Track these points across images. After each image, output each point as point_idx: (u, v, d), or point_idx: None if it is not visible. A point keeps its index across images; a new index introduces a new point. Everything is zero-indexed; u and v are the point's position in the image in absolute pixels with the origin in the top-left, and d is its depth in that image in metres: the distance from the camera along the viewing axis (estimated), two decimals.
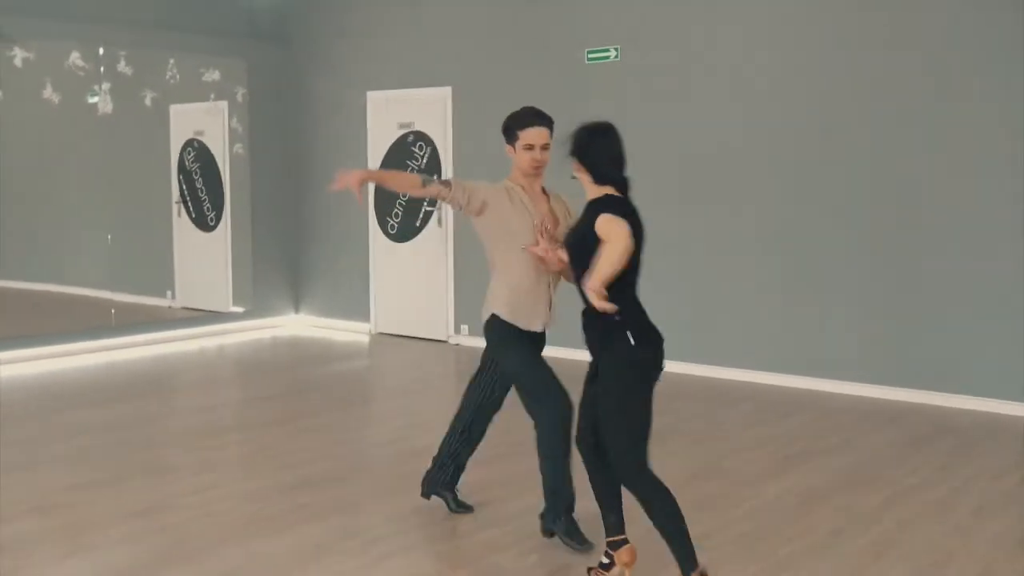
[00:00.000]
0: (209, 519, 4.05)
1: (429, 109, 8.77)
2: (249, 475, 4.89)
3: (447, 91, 8.55)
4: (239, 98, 9.38)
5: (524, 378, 3.72)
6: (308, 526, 3.96)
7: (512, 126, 3.76)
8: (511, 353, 3.74)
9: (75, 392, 6.91)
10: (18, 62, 7.88)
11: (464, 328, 8.51)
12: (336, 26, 9.33)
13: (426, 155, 8.81)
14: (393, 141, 9.03)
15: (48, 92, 8.39)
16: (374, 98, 9.04)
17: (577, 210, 3.50)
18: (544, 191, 3.86)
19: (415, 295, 9.12)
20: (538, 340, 3.84)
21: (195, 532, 3.89)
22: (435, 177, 3.90)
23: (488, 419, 4.00)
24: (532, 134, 3.70)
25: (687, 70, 7.19)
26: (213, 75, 9.26)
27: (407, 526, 4.01)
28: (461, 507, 4.10)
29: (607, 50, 7.53)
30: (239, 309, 9.68)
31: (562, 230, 3.71)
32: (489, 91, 8.20)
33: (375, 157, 9.17)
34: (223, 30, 9.10)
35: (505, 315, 3.74)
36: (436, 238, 8.80)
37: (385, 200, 9.11)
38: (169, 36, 8.73)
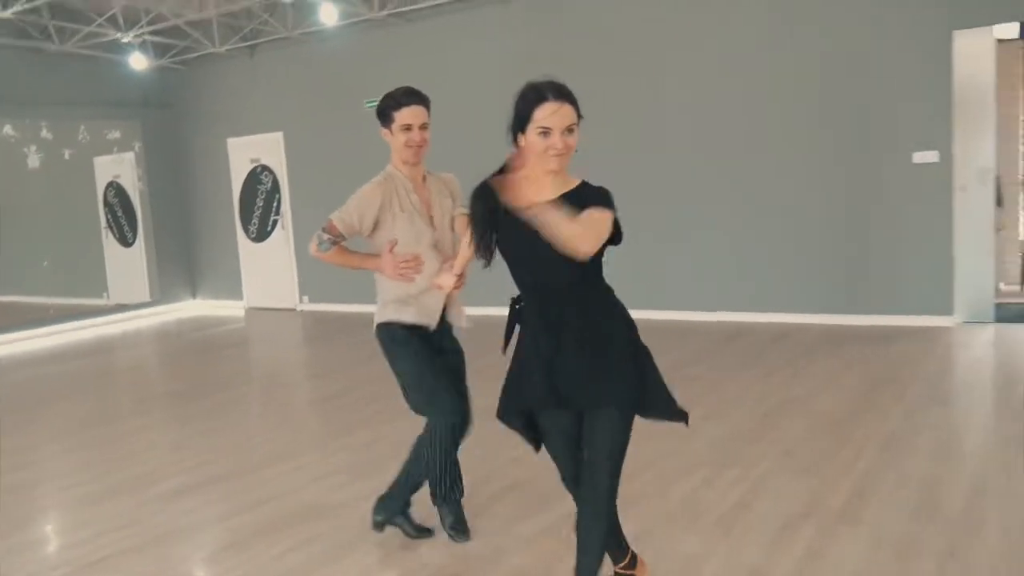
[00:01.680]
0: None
1: (270, 148, 11.31)
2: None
3: (280, 134, 11.52)
4: (137, 149, 11.94)
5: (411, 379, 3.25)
6: None
7: (387, 107, 3.19)
8: (401, 354, 3.27)
9: (46, 358, 9.58)
10: None
11: (306, 298, 11.42)
12: (202, 91, 11.68)
13: (270, 181, 11.63)
14: (247, 172, 11.70)
15: None
16: (232, 142, 11.65)
17: (465, 191, 2.75)
18: (424, 176, 3.33)
19: (271, 278, 11.62)
20: (432, 340, 3.30)
21: None
22: (326, 237, 3.23)
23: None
24: (408, 113, 3.16)
25: None
26: (115, 134, 12.16)
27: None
28: (421, 531, 3.47)
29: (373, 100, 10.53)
30: (152, 299, 12.23)
31: (443, 214, 3.32)
32: (310, 133, 10.70)
33: (236, 184, 11.79)
34: (121, 101, 11.41)
35: (392, 315, 3.26)
36: (281, 237, 11.76)
37: (245, 211, 12.11)
38: (81, 109, 11.15)
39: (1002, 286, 8.09)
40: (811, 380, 5.76)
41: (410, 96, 3.22)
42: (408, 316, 3.28)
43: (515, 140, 2.37)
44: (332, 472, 4.53)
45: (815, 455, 4.25)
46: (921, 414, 4.85)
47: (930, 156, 7.11)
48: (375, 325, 3.35)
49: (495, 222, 2.38)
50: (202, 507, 4.15)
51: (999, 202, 7.67)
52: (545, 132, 2.29)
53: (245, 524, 3.86)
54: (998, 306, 7.32)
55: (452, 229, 3.37)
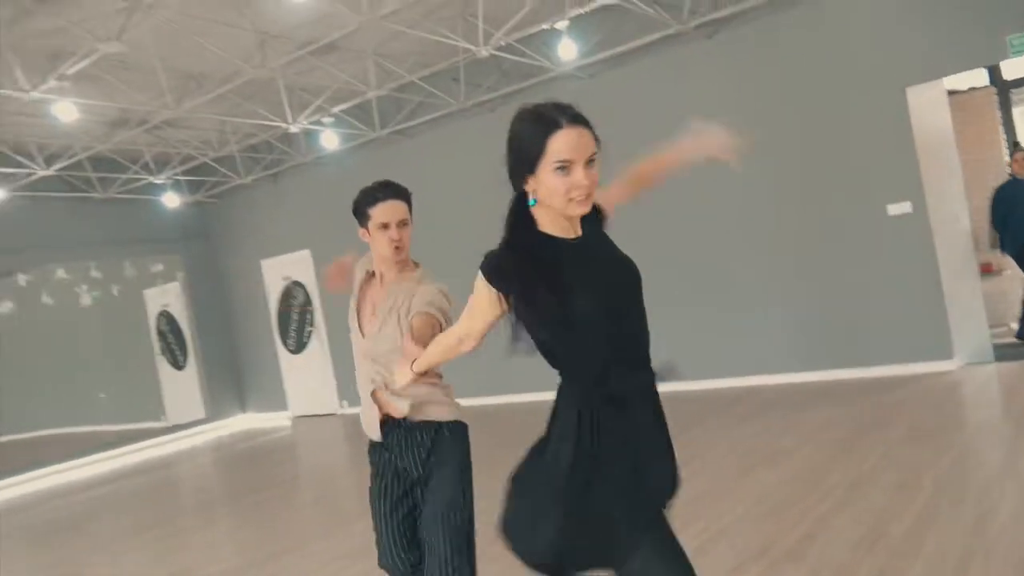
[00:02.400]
0: None
1: (299, 265, 11.93)
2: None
3: (307, 251, 12.22)
4: (180, 279, 12.79)
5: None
6: None
7: (361, 204, 2.81)
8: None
9: (105, 480, 10.34)
10: (22, 283, 11.68)
11: (345, 403, 11.79)
12: (234, 219, 12.47)
13: (302, 295, 12.20)
14: (281, 290, 12.38)
15: (44, 298, 12.28)
16: (265, 263, 12.39)
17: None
18: (414, 266, 2.90)
19: (311, 387, 12.08)
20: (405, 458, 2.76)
21: None
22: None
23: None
24: (385, 210, 2.77)
25: None
26: (159, 267, 13.01)
27: None
28: None
29: None
30: (206, 416, 12.77)
31: (393, 321, 2.74)
32: (332, 247, 11.45)
33: (272, 302, 12.41)
34: (161, 236, 12.25)
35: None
36: (317, 346, 12.30)
37: (282, 325, 12.69)
38: (125, 248, 11.99)
39: (1013, 325, 8.07)
40: (801, 433, 5.87)
41: (385, 189, 2.81)
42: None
43: (522, 186, 1.86)
44: (347, 554, 4.80)
45: (782, 501, 4.39)
46: (896, 454, 4.95)
47: (904, 207, 7.29)
48: None
49: (547, 269, 1.80)
50: None
51: (1001, 246, 7.78)
52: (564, 167, 1.81)
53: None
54: (996, 346, 7.33)
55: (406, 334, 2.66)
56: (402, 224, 2.82)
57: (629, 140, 8.58)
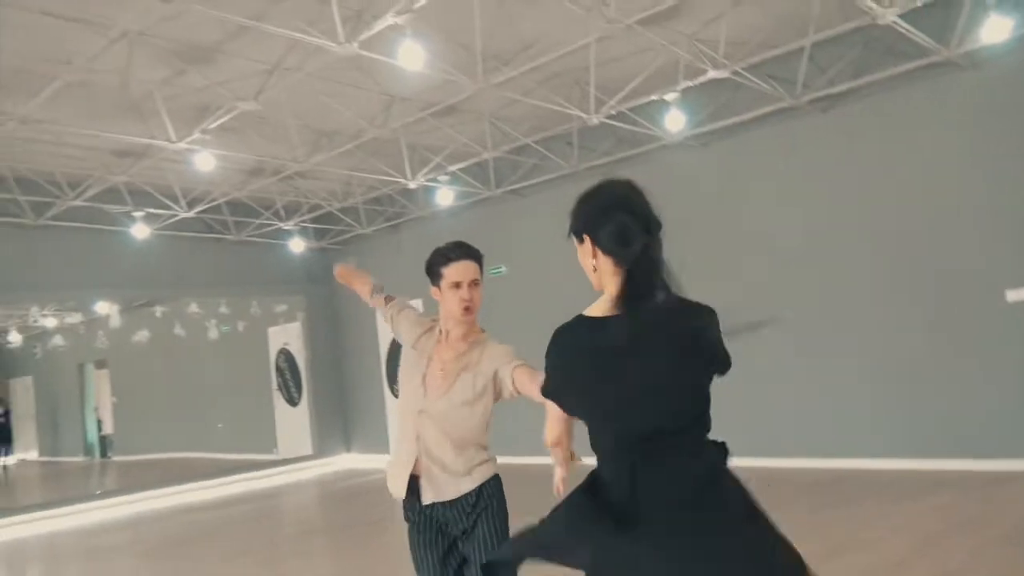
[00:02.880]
0: None
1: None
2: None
3: (420, 301, 12.64)
4: (301, 320, 13.62)
5: None
6: None
7: (434, 263, 2.86)
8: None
9: (219, 504, 11.04)
10: (157, 314, 12.65)
11: None
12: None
13: None
14: (392, 337, 13.10)
15: (177, 329, 13.21)
16: (380, 311, 13.21)
17: (530, 353, 2.63)
18: (478, 331, 2.93)
19: None
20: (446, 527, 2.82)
21: None
22: (383, 292, 3.24)
23: None
24: (458, 269, 2.82)
25: None
26: (282, 307, 13.81)
27: None
28: None
29: (499, 268, 11.44)
30: (313, 453, 13.29)
31: (459, 388, 2.81)
32: None
33: (383, 348, 13.03)
34: (287, 279, 12.99)
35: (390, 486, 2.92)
36: None
37: (391, 372, 13.12)
38: (254, 287, 12.86)
39: None
40: (892, 522, 5.66)
41: (458, 250, 2.87)
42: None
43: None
44: None
45: None
46: (988, 554, 4.72)
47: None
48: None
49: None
50: None
51: None
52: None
53: None
54: None
55: (476, 408, 2.83)
56: (473, 284, 2.86)
57: (739, 210, 8.62)
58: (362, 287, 3.33)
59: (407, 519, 2.92)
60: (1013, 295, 7.04)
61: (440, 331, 2.93)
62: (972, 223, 7.19)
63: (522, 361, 2.76)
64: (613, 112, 7.87)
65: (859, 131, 7.80)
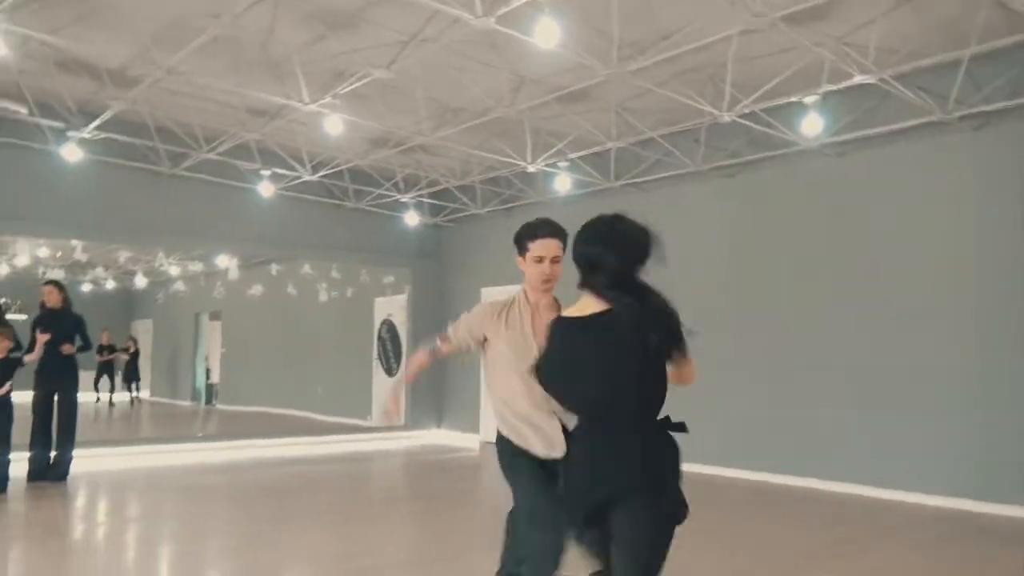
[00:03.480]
0: None
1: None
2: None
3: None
4: (407, 292, 13.90)
5: (525, 501, 3.22)
6: None
7: (523, 236, 3.28)
8: (514, 475, 3.28)
9: (314, 461, 11.31)
10: (273, 271, 13.05)
11: None
12: (464, 246, 13.19)
13: None
14: None
15: (290, 288, 13.59)
16: (485, 291, 13.11)
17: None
18: (557, 302, 3.34)
19: None
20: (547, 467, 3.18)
21: None
22: (436, 341, 3.54)
23: None
24: (542, 246, 3.21)
25: None
26: (390, 278, 14.07)
27: None
28: None
29: None
30: (405, 424, 13.48)
31: None
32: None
33: None
34: (397, 250, 13.21)
35: (509, 435, 3.28)
36: None
37: None
38: (365, 255, 13.12)
39: None
40: (1010, 568, 5.32)
41: (545, 228, 3.28)
42: (523, 445, 3.28)
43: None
44: None
45: None
46: None
47: None
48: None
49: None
50: None
51: None
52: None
53: None
54: None
55: None
56: (555, 260, 3.28)
57: (873, 225, 8.26)
58: (421, 359, 3.61)
59: (530, 470, 3.23)
60: None
61: (527, 303, 3.35)
62: None
63: None
64: (746, 111, 7.62)
65: (1013, 153, 7.31)
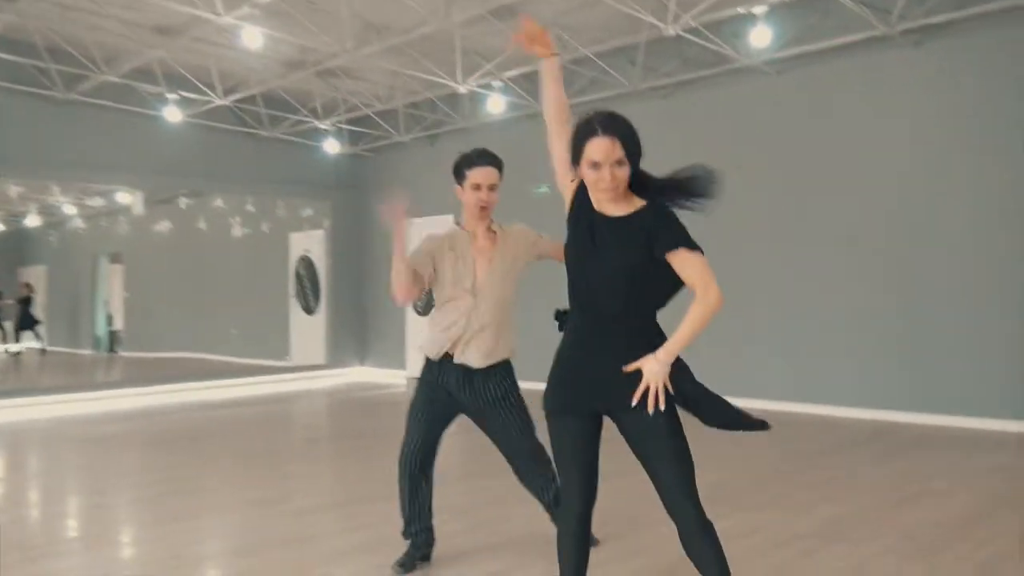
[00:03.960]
0: None
1: (441, 228, 12.33)
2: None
3: (450, 217, 12.27)
4: (326, 227, 13.24)
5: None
6: None
7: (461, 165, 3.38)
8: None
9: (230, 404, 10.69)
10: (182, 205, 12.27)
11: None
12: (386, 176, 12.55)
13: None
14: None
15: (201, 223, 12.84)
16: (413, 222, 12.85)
17: (534, 235, 3.50)
18: (492, 229, 3.45)
19: None
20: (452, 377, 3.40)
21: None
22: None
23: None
24: (479, 173, 3.33)
25: None
26: (308, 212, 13.44)
27: None
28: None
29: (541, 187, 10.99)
30: (327, 363, 13.05)
31: (502, 267, 3.41)
32: None
33: None
34: (315, 182, 12.56)
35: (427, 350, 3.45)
36: None
37: None
38: (281, 187, 12.43)
39: None
40: (956, 476, 5.38)
41: (482, 157, 3.39)
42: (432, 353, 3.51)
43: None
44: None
45: (935, 542, 3.99)
46: None
47: None
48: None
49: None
50: (317, 524, 4.45)
51: None
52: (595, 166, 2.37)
53: (350, 542, 4.11)
54: None
55: (514, 282, 3.51)
56: (492, 188, 3.39)
57: (808, 143, 8.17)
58: (404, 269, 3.35)
59: (423, 380, 3.53)
60: None
61: (468, 234, 3.47)
62: None
63: (540, 235, 3.61)
64: (691, 24, 7.36)
65: (953, 69, 7.29)
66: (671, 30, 7.37)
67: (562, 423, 2.46)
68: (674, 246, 2.29)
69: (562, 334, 2.53)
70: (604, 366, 2.36)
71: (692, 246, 2.31)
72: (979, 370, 7.09)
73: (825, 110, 8.02)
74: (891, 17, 7.15)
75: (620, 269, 2.34)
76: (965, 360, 7.16)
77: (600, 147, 2.32)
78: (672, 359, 2.29)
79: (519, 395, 3.51)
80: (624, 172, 2.35)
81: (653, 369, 2.29)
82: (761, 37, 7.49)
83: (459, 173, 3.42)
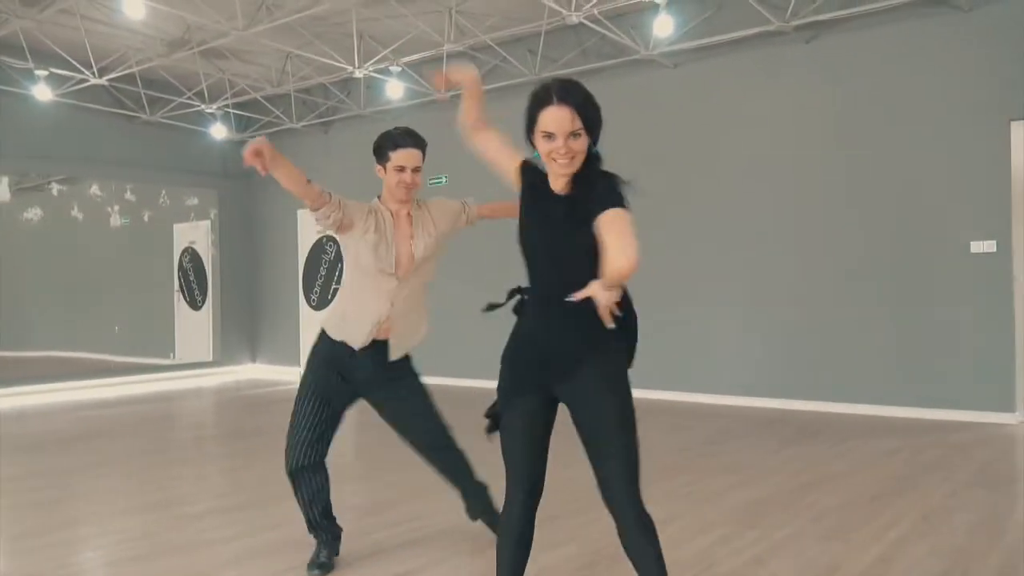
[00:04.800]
0: None
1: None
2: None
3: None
4: (212, 217, 12.65)
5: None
6: None
7: (383, 145, 3.22)
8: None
9: (110, 404, 10.07)
10: (55, 192, 11.40)
11: None
12: None
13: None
14: (313, 243, 12.18)
15: (75, 212, 11.99)
16: (301, 213, 12.19)
17: (445, 210, 3.38)
18: (409, 214, 3.30)
19: None
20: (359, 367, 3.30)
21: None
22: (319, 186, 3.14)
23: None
24: (403, 155, 3.19)
25: None
26: (193, 201, 12.81)
27: None
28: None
29: (439, 177, 10.84)
30: (215, 360, 12.53)
31: (422, 249, 3.29)
32: None
33: (302, 254, 12.36)
34: (201, 170, 12.01)
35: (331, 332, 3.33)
36: None
37: (308, 280, 12.41)
38: (164, 175, 11.76)
39: None
40: (855, 460, 5.51)
41: (406, 138, 3.25)
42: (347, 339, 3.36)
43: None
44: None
45: (846, 523, 4.03)
46: (965, 495, 4.57)
47: (988, 246, 6.91)
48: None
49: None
50: (214, 529, 4.14)
51: None
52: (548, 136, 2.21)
53: (250, 546, 3.83)
54: None
55: (435, 264, 3.46)
56: (416, 170, 3.27)
57: (703, 136, 8.26)
58: (292, 173, 3.08)
59: (318, 358, 3.40)
60: (977, 246, 6.95)
61: (389, 213, 3.30)
62: (949, 172, 7.03)
63: (464, 200, 3.54)
64: (594, 12, 7.31)
65: (841, 66, 7.50)
66: (574, 18, 7.30)
67: (515, 404, 2.31)
68: (610, 205, 2.12)
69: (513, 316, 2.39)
70: (567, 341, 2.23)
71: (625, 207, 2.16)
72: (867, 359, 7.33)
73: (721, 102, 8.12)
74: (785, 13, 7.28)
75: (582, 247, 2.15)
76: (852, 349, 7.39)
77: (554, 117, 2.17)
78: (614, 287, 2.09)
79: (420, 378, 3.47)
80: (581, 144, 2.20)
81: (600, 291, 2.09)
82: (664, 26, 7.49)
83: (381, 154, 3.26)
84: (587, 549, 3.64)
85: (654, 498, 3.87)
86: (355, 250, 3.26)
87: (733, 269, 8.04)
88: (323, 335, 3.38)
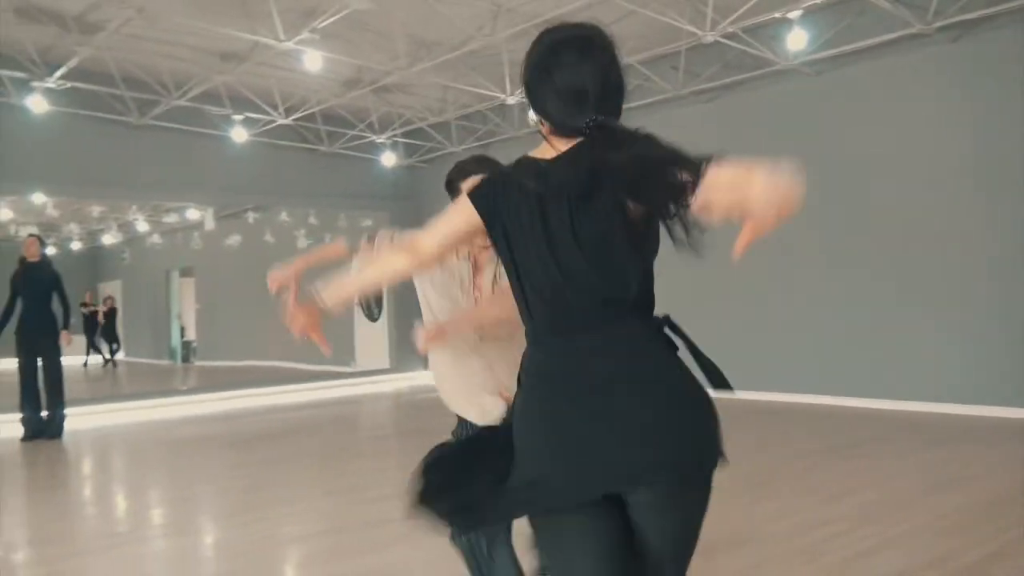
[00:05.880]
0: None
1: None
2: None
3: None
4: None
5: None
6: None
7: (455, 179, 2.74)
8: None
9: (301, 407, 11.42)
10: (250, 220, 12.82)
11: None
12: (439, 183, 13.52)
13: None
14: None
15: (267, 236, 13.45)
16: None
17: None
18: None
19: None
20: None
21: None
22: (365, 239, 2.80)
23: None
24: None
25: None
26: (368, 222, 13.99)
27: None
28: None
29: None
30: (391, 367, 13.63)
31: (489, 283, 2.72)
32: None
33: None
34: (374, 194, 13.13)
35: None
36: None
37: None
38: (342, 200, 12.99)
39: None
40: (989, 464, 5.55)
41: (480, 165, 2.68)
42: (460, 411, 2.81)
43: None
44: None
45: (965, 522, 4.20)
46: None
47: None
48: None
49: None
50: (388, 511, 4.87)
51: None
52: None
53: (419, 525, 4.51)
54: None
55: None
56: None
57: (849, 143, 8.31)
58: (331, 251, 2.83)
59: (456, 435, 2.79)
60: None
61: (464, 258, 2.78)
62: None
63: None
64: (729, 30, 7.60)
65: (989, 65, 7.39)
66: (709, 37, 7.62)
67: (570, 524, 1.58)
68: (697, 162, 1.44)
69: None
70: (632, 409, 1.52)
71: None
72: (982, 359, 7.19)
73: (864, 107, 8.16)
74: (927, 15, 7.29)
75: (618, 223, 1.58)
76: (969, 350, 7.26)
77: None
78: None
79: None
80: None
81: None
82: (797, 40, 7.68)
83: (452, 187, 2.71)
84: None
85: (780, 494, 4.16)
86: (423, 294, 2.97)
87: (873, 273, 8.05)
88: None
